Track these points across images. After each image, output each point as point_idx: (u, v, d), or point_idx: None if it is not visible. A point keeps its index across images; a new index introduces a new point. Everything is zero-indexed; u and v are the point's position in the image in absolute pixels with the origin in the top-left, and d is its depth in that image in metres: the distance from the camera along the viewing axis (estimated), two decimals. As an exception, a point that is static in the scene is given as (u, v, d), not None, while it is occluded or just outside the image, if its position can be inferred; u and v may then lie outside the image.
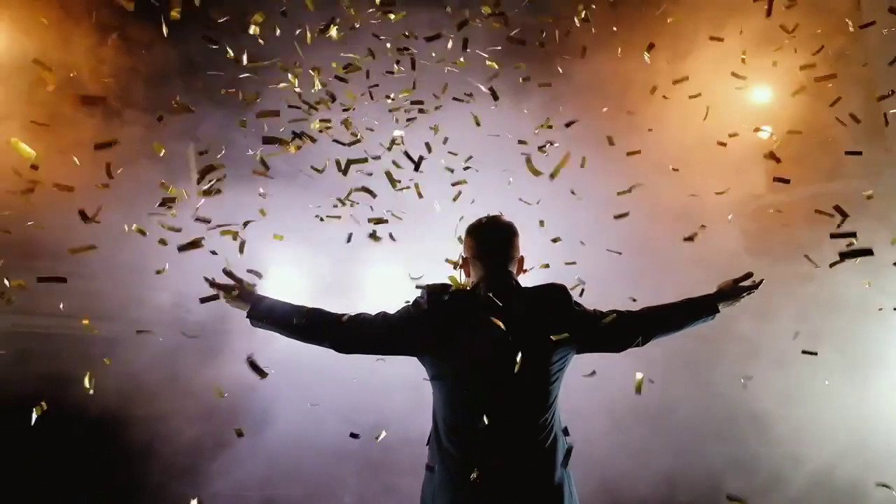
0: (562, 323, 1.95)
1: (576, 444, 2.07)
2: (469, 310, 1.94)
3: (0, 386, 3.88)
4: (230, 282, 2.04)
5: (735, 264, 2.61)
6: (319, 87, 3.63)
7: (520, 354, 1.87)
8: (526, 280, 2.22)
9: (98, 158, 3.12)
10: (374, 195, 3.27)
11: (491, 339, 1.88)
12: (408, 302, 2.06)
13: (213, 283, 2.03)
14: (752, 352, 3.99)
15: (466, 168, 3.74)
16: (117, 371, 3.61)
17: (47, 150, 4.38)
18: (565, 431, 2.06)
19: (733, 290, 2.20)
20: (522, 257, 2.17)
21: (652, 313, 2.13)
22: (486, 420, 1.88)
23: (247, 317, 2.04)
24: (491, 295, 1.94)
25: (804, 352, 2.99)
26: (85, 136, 3.92)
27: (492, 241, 2.10)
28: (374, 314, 2.03)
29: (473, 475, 1.83)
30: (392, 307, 2.09)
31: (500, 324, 1.88)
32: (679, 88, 3.81)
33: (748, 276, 2.23)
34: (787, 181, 2.96)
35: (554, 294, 2.03)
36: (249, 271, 2.24)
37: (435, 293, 1.99)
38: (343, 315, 2.02)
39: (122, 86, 4.62)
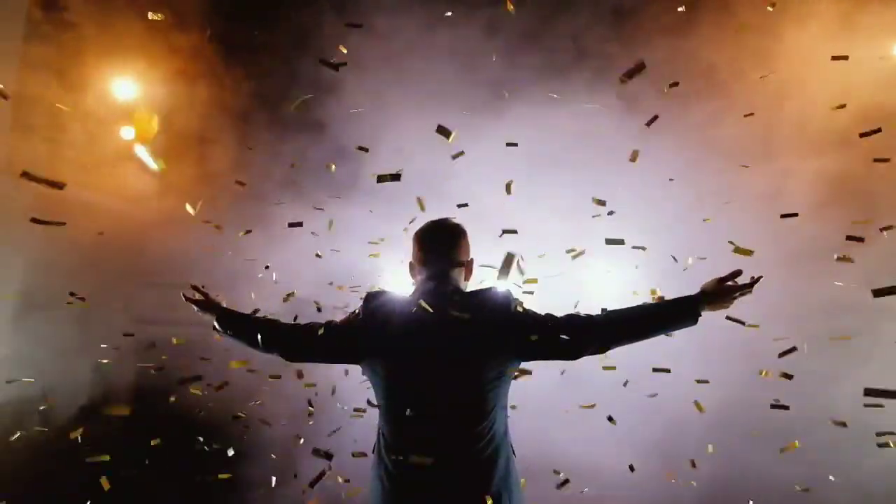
0: (497, 328, 1.86)
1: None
2: (402, 316, 1.89)
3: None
4: (199, 296, 2.17)
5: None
6: None
7: (450, 361, 1.82)
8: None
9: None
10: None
11: (421, 346, 1.85)
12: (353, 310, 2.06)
13: (186, 298, 2.16)
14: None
15: None
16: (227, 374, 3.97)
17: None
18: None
19: (720, 291, 1.90)
20: (471, 260, 2.10)
21: (613, 319, 1.91)
22: (416, 429, 1.83)
23: (213, 329, 2.15)
24: (422, 301, 1.88)
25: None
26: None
27: (431, 245, 2.05)
28: (320, 323, 2.05)
29: (406, 484, 1.80)
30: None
31: (429, 330, 1.83)
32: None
33: (736, 273, 1.91)
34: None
35: (491, 298, 1.93)
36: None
37: (369, 300, 1.97)
38: (291, 325, 2.09)
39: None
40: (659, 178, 3.97)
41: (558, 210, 4.07)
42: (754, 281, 1.91)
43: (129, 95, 5.59)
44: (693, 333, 3.74)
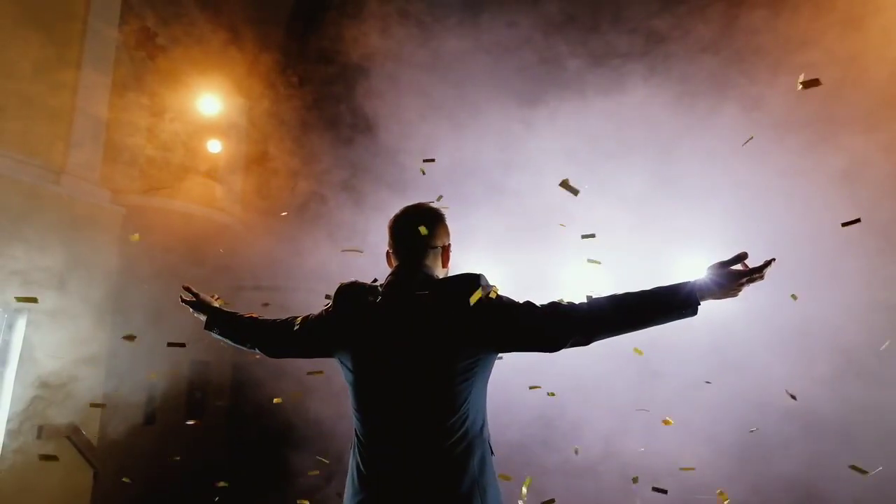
0: (467, 316, 1.72)
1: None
2: (368, 308, 1.82)
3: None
4: (191, 297, 2.25)
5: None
6: None
7: (417, 352, 1.72)
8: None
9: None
10: None
11: (387, 337, 1.77)
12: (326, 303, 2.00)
13: (182, 300, 2.26)
14: None
15: None
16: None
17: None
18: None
19: (724, 277, 1.64)
20: (447, 246, 1.97)
21: (597, 309, 1.71)
22: (383, 424, 1.76)
23: (204, 328, 2.21)
24: (390, 291, 1.82)
25: None
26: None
27: (401, 232, 1.95)
28: (298, 318, 2.02)
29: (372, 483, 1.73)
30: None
31: (395, 320, 1.76)
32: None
33: (741, 257, 1.64)
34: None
35: (462, 285, 1.78)
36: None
37: (339, 292, 1.91)
38: (272, 322, 2.08)
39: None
40: (733, 156, 3.74)
41: (624, 198, 3.92)
42: (766, 264, 1.63)
43: (212, 112, 6.01)
44: (779, 330, 3.49)
